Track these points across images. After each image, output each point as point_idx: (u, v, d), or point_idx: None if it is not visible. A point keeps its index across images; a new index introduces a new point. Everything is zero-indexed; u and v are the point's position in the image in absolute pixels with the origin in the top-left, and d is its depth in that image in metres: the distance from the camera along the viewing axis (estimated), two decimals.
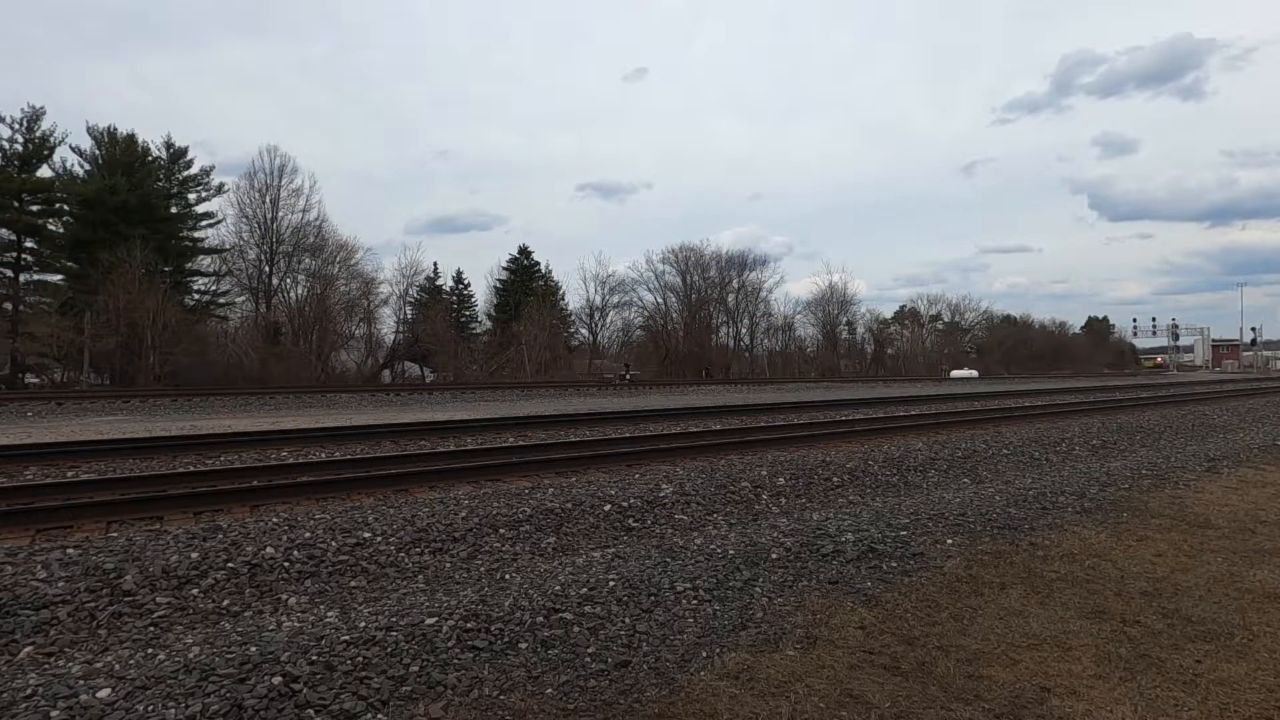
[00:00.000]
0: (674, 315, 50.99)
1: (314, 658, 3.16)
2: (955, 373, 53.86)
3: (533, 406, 18.24)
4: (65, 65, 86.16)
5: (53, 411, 16.65)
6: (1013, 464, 9.50)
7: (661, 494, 6.66)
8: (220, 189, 39.40)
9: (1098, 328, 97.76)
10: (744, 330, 54.53)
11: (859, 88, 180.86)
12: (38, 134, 34.28)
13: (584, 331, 51.91)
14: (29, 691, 2.87)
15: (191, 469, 7.87)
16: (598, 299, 50.58)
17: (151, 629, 3.78)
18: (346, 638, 3.37)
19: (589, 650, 3.44)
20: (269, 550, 4.67)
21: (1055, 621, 3.87)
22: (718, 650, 3.48)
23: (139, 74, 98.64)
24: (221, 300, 39.47)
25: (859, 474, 8.15)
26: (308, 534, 5.01)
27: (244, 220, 37.93)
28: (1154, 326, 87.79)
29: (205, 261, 39.67)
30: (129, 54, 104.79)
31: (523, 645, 3.45)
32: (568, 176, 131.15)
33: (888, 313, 68.20)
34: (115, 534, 5.14)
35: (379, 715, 2.83)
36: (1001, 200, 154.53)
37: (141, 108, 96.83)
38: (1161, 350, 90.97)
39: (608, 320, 51.48)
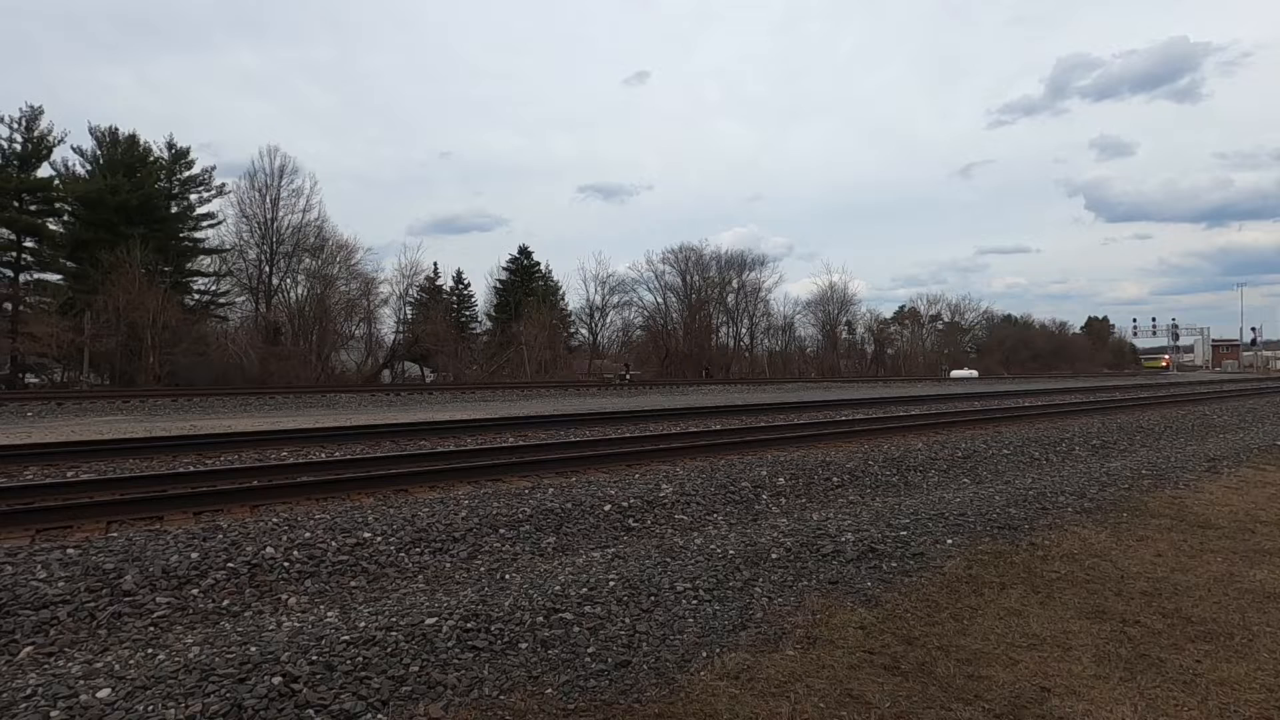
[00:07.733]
0: (674, 315, 50.98)
1: (314, 658, 3.16)
2: (955, 373, 53.85)
3: (533, 406, 18.23)
4: (71, 67, 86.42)
5: (53, 411, 16.64)
6: (1013, 464, 9.50)
7: (661, 494, 6.65)
8: (221, 189, 39.41)
9: (1097, 328, 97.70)
10: (744, 330, 54.54)
11: (858, 90, 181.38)
12: (36, 134, 34.30)
13: (584, 331, 51.91)
14: (29, 691, 2.87)
15: (191, 469, 7.87)
16: (598, 299, 50.57)
17: (151, 629, 3.78)
18: (346, 638, 3.37)
19: (589, 650, 3.44)
20: (269, 550, 4.67)
21: (1055, 621, 3.87)
22: (718, 650, 3.48)
23: (144, 76, 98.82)
24: (221, 300, 39.45)
25: (859, 474, 8.15)
26: (308, 534, 5.01)
27: (244, 220, 37.93)
28: (1154, 326, 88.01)
29: (205, 261, 39.64)
30: (134, 56, 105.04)
31: (523, 645, 3.45)
32: (569, 178, 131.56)
33: (887, 313, 68.19)
34: (115, 534, 5.14)
35: (379, 715, 2.83)
36: (1000, 201, 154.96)
37: (146, 109, 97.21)
38: (1162, 350, 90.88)
39: (608, 320, 51.46)
